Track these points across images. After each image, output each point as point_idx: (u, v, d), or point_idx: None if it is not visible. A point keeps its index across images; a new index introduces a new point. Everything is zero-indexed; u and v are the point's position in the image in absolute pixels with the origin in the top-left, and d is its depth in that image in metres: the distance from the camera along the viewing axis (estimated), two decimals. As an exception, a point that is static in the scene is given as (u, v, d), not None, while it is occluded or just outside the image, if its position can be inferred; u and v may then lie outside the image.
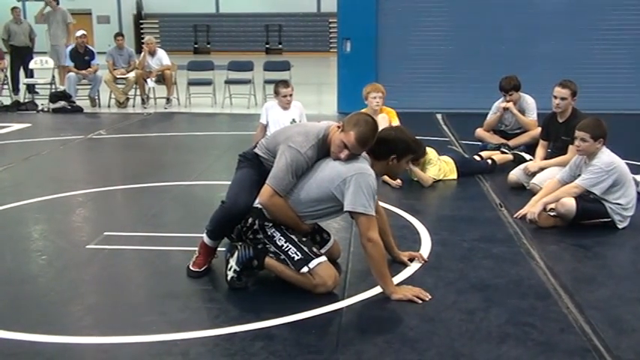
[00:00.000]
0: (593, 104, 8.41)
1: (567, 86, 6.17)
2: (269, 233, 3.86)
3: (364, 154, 3.87)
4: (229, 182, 4.16)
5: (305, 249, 3.79)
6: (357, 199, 3.67)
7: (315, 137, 3.87)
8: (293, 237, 3.83)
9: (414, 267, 4.23)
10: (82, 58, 12.29)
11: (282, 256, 3.82)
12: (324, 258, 3.82)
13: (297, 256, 3.77)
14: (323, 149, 3.89)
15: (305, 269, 3.74)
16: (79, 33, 12.50)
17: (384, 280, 3.77)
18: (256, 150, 4.09)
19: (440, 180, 6.43)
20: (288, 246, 3.81)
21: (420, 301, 3.70)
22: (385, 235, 4.16)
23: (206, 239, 4.14)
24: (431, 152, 6.45)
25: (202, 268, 4.09)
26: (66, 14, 13.83)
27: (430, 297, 3.75)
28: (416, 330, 3.40)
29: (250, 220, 3.90)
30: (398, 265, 4.23)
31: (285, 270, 3.83)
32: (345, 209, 3.73)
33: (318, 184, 3.81)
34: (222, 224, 4.08)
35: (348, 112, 4.13)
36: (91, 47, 12.68)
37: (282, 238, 3.84)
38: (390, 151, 3.86)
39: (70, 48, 12.47)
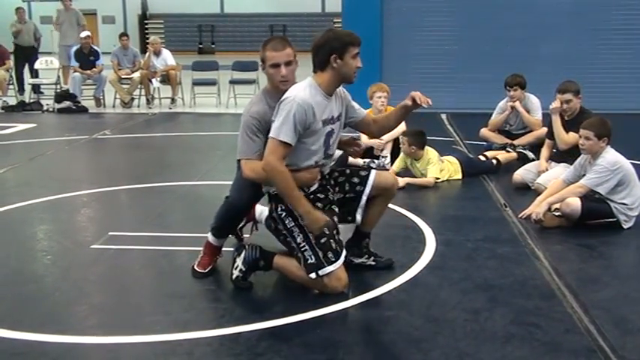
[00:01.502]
0: (597, 104, 8.35)
1: (566, 90, 6.12)
2: (288, 226, 3.78)
3: (310, 79, 3.79)
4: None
5: (320, 254, 3.70)
6: (274, 125, 3.65)
7: (256, 96, 3.99)
8: (310, 237, 3.71)
9: (418, 267, 4.22)
10: (87, 58, 12.31)
11: (299, 254, 3.76)
12: (337, 265, 3.72)
13: (311, 259, 3.71)
14: (272, 100, 3.86)
15: (314, 275, 3.70)
16: (84, 34, 12.52)
17: (293, 202, 3.69)
18: None
19: (445, 180, 6.42)
20: (304, 246, 3.73)
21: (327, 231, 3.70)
22: (387, 116, 4.23)
23: (211, 238, 4.15)
24: (431, 152, 6.44)
25: (207, 269, 4.10)
26: (79, 15, 13.87)
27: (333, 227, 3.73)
28: (420, 330, 3.39)
29: (269, 207, 3.89)
30: (401, 265, 4.22)
31: (295, 271, 3.80)
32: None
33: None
34: (227, 220, 4.10)
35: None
36: (95, 47, 12.70)
37: (300, 234, 3.75)
38: (329, 51, 3.70)
39: (74, 48, 12.49)
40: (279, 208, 3.81)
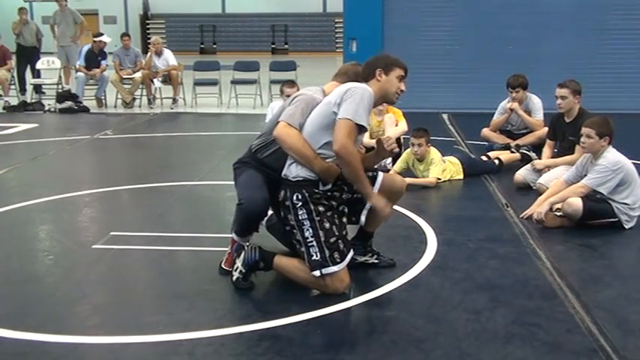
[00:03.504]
0: (600, 104, 8.38)
1: (566, 85, 6.16)
2: (300, 218, 3.74)
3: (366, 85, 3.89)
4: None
5: (326, 253, 3.69)
6: (350, 106, 3.66)
7: (314, 88, 4.09)
8: (320, 233, 3.70)
9: (420, 267, 4.22)
10: (96, 57, 12.35)
11: (303, 248, 3.75)
12: (341, 266, 3.72)
13: (316, 256, 3.70)
14: None
15: (317, 273, 3.70)
16: (107, 39, 12.51)
17: (363, 184, 3.76)
18: (251, 147, 4.12)
19: (446, 180, 6.42)
20: (312, 242, 3.71)
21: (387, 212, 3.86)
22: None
23: (235, 237, 4.14)
24: (434, 152, 6.44)
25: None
26: (76, 14, 13.86)
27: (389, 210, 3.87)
28: (422, 330, 3.39)
29: (282, 192, 3.83)
30: (403, 265, 4.22)
31: (296, 272, 3.80)
32: (338, 117, 3.68)
33: (319, 112, 3.80)
34: (246, 223, 4.05)
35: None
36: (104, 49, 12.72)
37: (310, 229, 3.72)
38: (375, 66, 3.88)
39: (86, 48, 12.50)
40: (295, 197, 3.75)
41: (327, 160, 3.76)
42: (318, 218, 3.73)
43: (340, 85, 3.95)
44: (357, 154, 3.75)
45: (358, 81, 3.91)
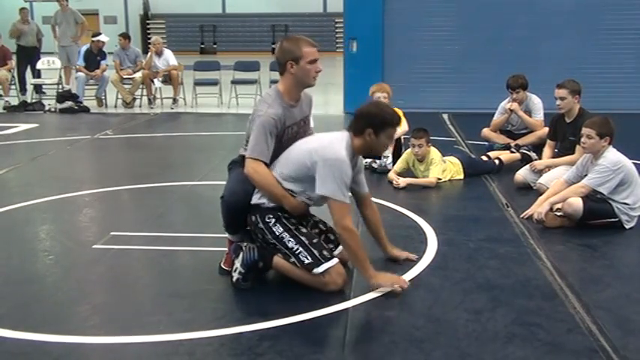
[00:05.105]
0: (600, 104, 8.39)
1: (564, 86, 6.15)
2: (277, 234, 3.83)
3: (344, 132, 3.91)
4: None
5: (315, 252, 3.76)
6: (327, 184, 3.68)
7: (269, 97, 4.04)
8: (302, 238, 3.79)
9: (420, 267, 4.22)
10: (95, 57, 12.35)
11: (292, 259, 3.80)
12: (334, 261, 3.78)
13: (307, 259, 3.75)
14: (291, 99, 4.01)
15: (319, 270, 3.74)
16: (105, 39, 12.52)
17: (363, 266, 3.78)
18: (240, 151, 4.13)
19: (446, 180, 6.41)
20: (298, 249, 3.78)
21: (400, 290, 3.75)
22: (376, 228, 4.23)
23: (229, 236, 4.15)
24: (434, 152, 6.43)
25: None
26: (77, 14, 13.85)
27: (407, 284, 3.80)
28: (422, 330, 3.39)
29: (253, 218, 3.90)
30: (404, 265, 4.22)
31: (295, 270, 3.82)
32: (316, 191, 3.74)
33: (293, 159, 3.84)
34: (229, 217, 4.06)
35: (355, 111, 4.15)
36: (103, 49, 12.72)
37: (291, 239, 3.80)
38: (366, 125, 3.83)
39: (85, 48, 12.51)
40: (267, 217, 3.86)
41: (296, 198, 3.86)
42: (294, 227, 3.85)
43: (285, 83, 4.00)
44: (358, 237, 3.80)
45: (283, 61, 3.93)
